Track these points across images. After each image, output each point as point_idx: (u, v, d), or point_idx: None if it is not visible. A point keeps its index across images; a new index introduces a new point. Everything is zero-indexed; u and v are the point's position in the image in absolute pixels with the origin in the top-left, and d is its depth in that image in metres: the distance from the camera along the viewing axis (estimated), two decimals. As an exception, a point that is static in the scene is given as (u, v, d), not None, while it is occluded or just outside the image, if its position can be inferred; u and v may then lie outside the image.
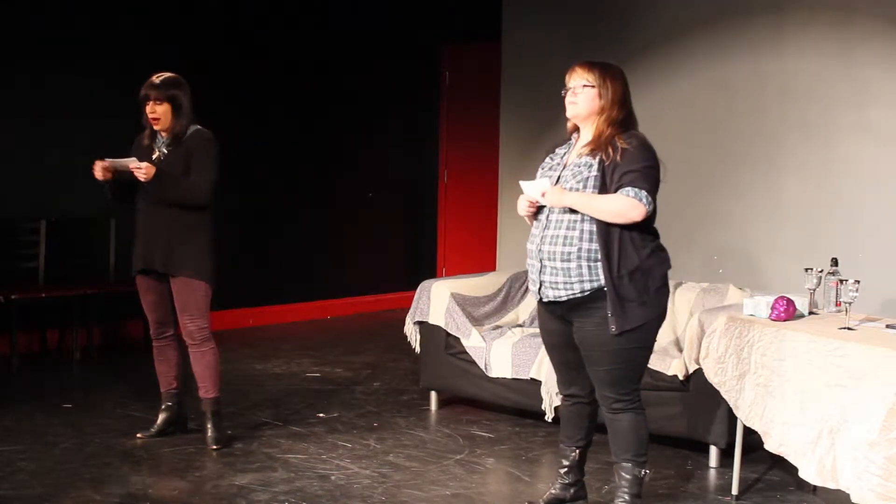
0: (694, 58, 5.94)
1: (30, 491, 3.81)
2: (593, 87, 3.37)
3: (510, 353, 4.81)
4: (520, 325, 5.24)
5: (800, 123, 5.53)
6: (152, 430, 4.54)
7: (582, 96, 3.38)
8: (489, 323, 5.20)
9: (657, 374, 4.30)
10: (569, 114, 3.44)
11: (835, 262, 3.96)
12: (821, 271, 3.91)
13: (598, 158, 3.31)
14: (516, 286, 5.44)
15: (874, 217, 5.27)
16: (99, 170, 4.25)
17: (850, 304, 3.55)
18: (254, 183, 7.59)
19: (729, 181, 5.80)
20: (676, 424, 4.30)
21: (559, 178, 3.40)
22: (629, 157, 3.27)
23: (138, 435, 4.53)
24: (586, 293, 3.31)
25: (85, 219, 6.60)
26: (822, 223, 5.44)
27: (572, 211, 3.32)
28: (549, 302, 3.42)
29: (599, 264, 3.28)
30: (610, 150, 3.29)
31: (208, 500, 3.78)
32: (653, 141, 3.40)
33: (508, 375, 4.82)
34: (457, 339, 5.04)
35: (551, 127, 6.42)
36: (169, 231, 4.30)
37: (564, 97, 3.44)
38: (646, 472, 3.46)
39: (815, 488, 3.88)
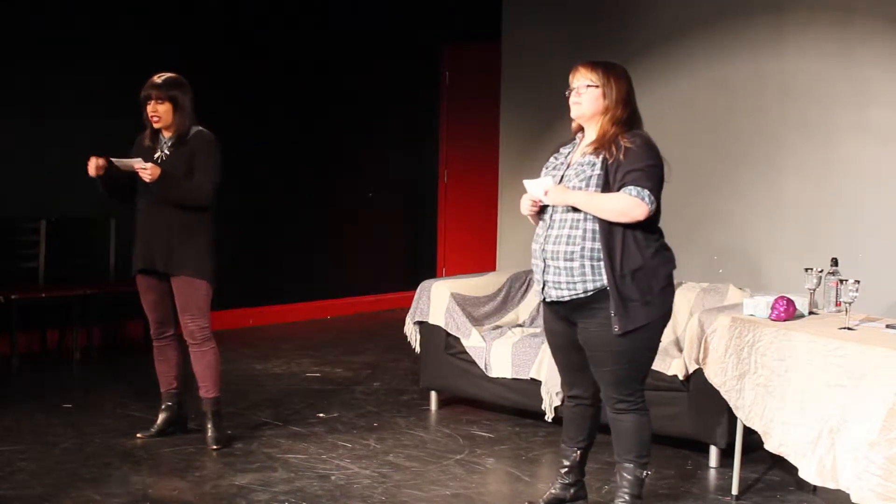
0: (694, 58, 5.94)
1: (30, 491, 3.81)
2: (597, 86, 3.36)
3: (510, 353, 4.81)
4: (520, 325, 5.24)
5: (800, 123, 5.53)
6: (152, 430, 4.54)
7: (586, 96, 3.37)
8: (489, 323, 5.20)
9: (657, 374, 4.30)
10: (573, 114, 3.43)
11: (835, 262, 3.96)
12: (821, 271, 3.91)
13: (601, 157, 3.30)
14: (516, 286, 5.44)
15: (874, 217, 5.27)
16: (93, 167, 4.25)
17: (850, 304, 3.55)
18: (254, 183, 7.59)
19: (729, 181, 5.80)
20: (676, 424, 4.30)
21: (563, 177, 3.40)
22: (632, 156, 3.26)
23: (138, 435, 4.53)
24: (589, 293, 3.30)
25: (85, 219, 6.60)
26: (822, 223, 5.44)
27: (575, 210, 3.31)
28: (553, 302, 3.41)
29: (602, 264, 3.27)
30: (613, 149, 3.28)
31: (208, 500, 3.78)
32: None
33: (508, 375, 4.82)
34: (457, 339, 5.04)
35: (551, 127, 6.43)
36: (169, 231, 4.31)
37: (568, 97, 3.43)
38: (647, 474, 3.46)
39: (815, 488, 3.88)
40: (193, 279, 4.33)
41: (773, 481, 4.07)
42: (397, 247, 9.08)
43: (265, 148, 7.77)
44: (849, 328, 3.49)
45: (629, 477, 3.42)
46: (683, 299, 4.86)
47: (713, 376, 3.80)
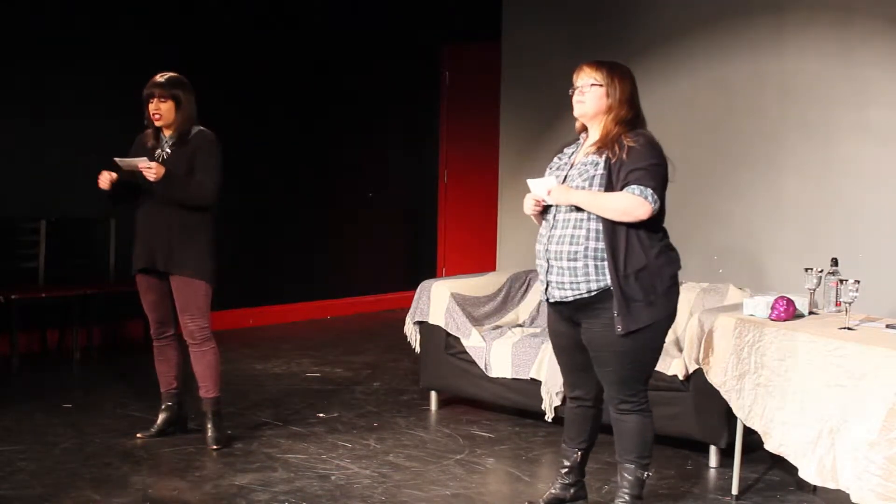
0: (694, 58, 5.94)
1: (30, 491, 3.81)
2: (601, 85, 3.35)
3: (510, 353, 4.81)
4: (520, 325, 5.24)
5: (800, 123, 5.53)
6: (152, 430, 4.54)
7: (589, 95, 3.36)
8: (489, 323, 5.20)
9: (657, 374, 4.28)
10: (576, 113, 3.43)
11: (835, 262, 3.96)
12: (821, 271, 3.91)
13: (604, 157, 3.29)
14: (516, 286, 5.44)
15: (874, 217, 5.27)
16: (106, 182, 4.25)
17: (850, 304, 3.55)
18: (254, 183, 7.59)
19: (729, 181, 5.80)
20: (676, 424, 4.30)
21: (566, 177, 3.39)
22: (635, 155, 3.25)
23: (138, 435, 4.53)
24: (593, 293, 3.29)
25: (85, 219, 6.61)
26: (822, 223, 5.44)
27: (579, 210, 3.30)
28: (557, 303, 3.40)
29: (606, 263, 3.26)
30: (616, 148, 3.27)
31: (208, 500, 3.78)
32: (653, 140, 3.39)
33: (508, 375, 4.82)
34: (457, 339, 5.04)
35: (551, 127, 6.43)
36: (170, 230, 4.31)
37: (572, 96, 3.42)
38: (648, 475, 3.46)
39: (815, 488, 3.88)
40: (193, 279, 4.33)
41: (773, 481, 4.07)
42: (397, 247, 9.09)
43: (265, 148, 7.77)
44: (849, 328, 3.50)
45: (630, 477, 3.41)
46: (683, 299, 4.84)
47: (713, 376, 3.80)
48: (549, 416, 4.65)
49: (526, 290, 5.43)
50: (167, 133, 4.37)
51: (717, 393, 3.85)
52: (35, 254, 6.33)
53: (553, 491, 3.69)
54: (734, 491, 3.88)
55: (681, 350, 4.57)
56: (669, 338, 4.72)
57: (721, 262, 5.74)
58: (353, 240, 8.60)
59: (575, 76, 3.42)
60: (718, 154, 5.83)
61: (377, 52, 8.63)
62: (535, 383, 4.71)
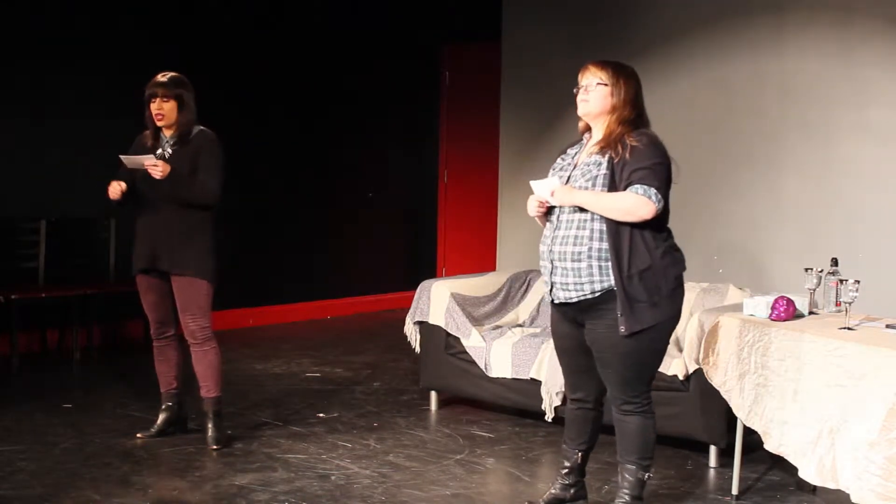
0: (694, 58, 5.94)
1: (30, 491, 3.80)
2: (606, 85, 3.34)
3: (510, 353, 4.81)
4: (520, 325, 5.24)
5: (800, 123, 5.53)
6: (152, 430, 4.54)
7: (594, 94, 3.35)
8: (489, 323, 5.20)
9: (657, 374, 4.28)
10: (580, 112, 3.41)
11: (835, 262, 3.96)
12: (821, 271, 3.91)
13: (607, 157, 3.28)
14: (516, 286, 5.44)
15: (874, 217, 5.27)
16: (117, 192, 4.25)
17: (850, 304, 3.55)
18: (254, 183, 7.59)
19: (729, 181, 5.80)
20: (676, 424, 4.30)
21: (569, 177, 3.38)
22: (638, 155, 3.23)
23: (138, 435, 4.53)
24: (597, 294, 3.28)
25: (85, 219, 6.60)
26: (822, 223, 5.44)
27: (582, 210, 3.28)
28: (561, 304, 3.39)
29: (610, 264, 3.25)
30: (619, 148, 3.26)
31: (208, 500, 3.78)
32: (653, 141, 3.38)
33: (508, 375, 4.82)
34: (457, 339, 5.04)
35: (551, 127, 6.43)
36: (172, 230, 4.30)
37: (576, 95, 3.41)
38: (649, 476, 3.45)
39: (815, 488, 3.88)
40: (194, 279, 4.33)
41: (773, 481, 4.07)
42: (397, 247, 9.09)
43: (265, 148, 7.77)
44: (849, 328, 3.49)
45: (630, 478, 3.41)
46: (684, 299, 4.86)
47: (713, 376, 3.80)
48: (549, 416, 4.65)
49: (526, 290, 5.43)
50: (167, 133, 4.36)
51: (717, 393, 3.85)
52: (35, 254, 6.33)
53: (553, 491, 3.69)
54: (734, 491, 3.88)
55: (681, 350, 4.57)
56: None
57: (721, 262, 5.75)
58: (353, 240, 8.61)
59: (580, 75, 3.41)
60: (718, 154, 5.83)
61: (377, 52, 8.63)
62: (535, 383, 4.71)
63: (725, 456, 4.19)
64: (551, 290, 3.40)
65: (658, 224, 3.29)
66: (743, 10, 5.73)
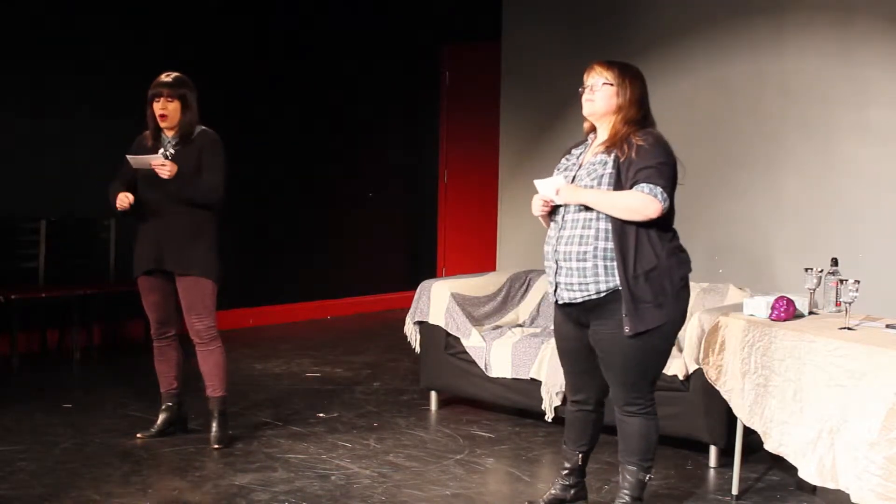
0: (694, 58, 5.94)
1: (30, 491, 3.80)
2: (612, 85, 3.33)
3: (510, 353, 4.81)
4: (520, 325, 5.24)
5: (800, 123, 5.53)
6: (152, 430, 4.54)
7: (600, 94, 3.34)
8: (489, 323, 5.20)
9: (657, 374, 4.30)
10: (585, 112, 3.40)
11: (835, 262, 3.96)
12: (821, 271, 3.90)
13: (613, 156, 3.27)
14: (516, 286, 5.43)
15: (874, 217, 5.27)
16: (125, 203, 4.25)
17: (850, 304, 3.54)
18: (254, 183, 7.60)
19: (729, 181, 5.80)
20: (676, 424, 4.29)
21: (574, 177, 3.36)
22: (644, 154, 3.22)
23: (138, 435, 4.52)
24: (602, 294, 3.26)
25: (85, 219, 6.61)
26: (822, 223, 5.44)
27: (588, 210, 3.27)
28: (566, 304, 3.37)
29: (616, 264, 3.23)
30: (625, 147, 3.25)
31: (208, 500, 3.78)
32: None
33: (508, 375, 4.82)
34: (457, 339, 5.04)
35: (551, 127, 6.43)
36: (177, 231, 4.30)
37: (581, 95, 3.40)
38: (650, 477, 3.44)
39: (815, 488, 3.88)
40: (200, 279, 4.33)
41: (773, 481, 4.07)
42: (397, 247, 9.09)
43: (265, 148, 7.77)
44: (849, 328, 3.49)
45: (631, 479, 3.40)
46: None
47: (713, 376, 3.80)
48: (549, 416, 4.65)
49: (526, 290, 5.43)
50: (169, 133, 4.36)
51: (717, 393, 3.85)
52: (35, 254, 6.33)
53: (553, 491, 3.69)
54: (734, 491, 3.88)
55: (681, 350, 4.57)
56: (670, 338, 4.73)
57: (721, 262, 5.75)
58: (353, 240, 8.61)
59: (585, 75, 3.40)
60: (718, 154, 5.83)
61: (377, 52, 8.63)
62: (535, 383, 4.71)
63: (725, 456, 4.19)
64: (556, 291, 3.38)
65: (664, 224, 3.28)
66: (743, 10, 5.73)
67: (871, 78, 5.27)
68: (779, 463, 4.01)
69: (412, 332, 5.22)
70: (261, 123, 7.73)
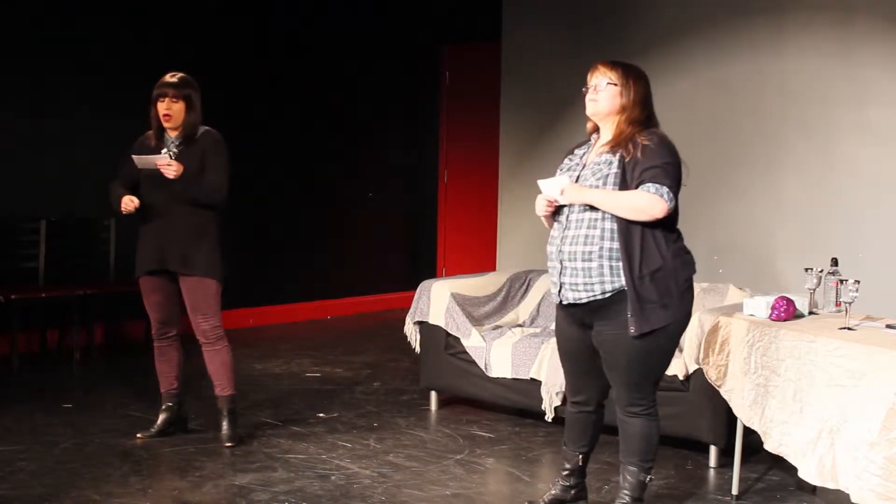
0: (694, 58, 5.94)
1: (30, 491, 3.80)
2: (615, 85, 3.33)
3: (510, 353, 4.81)
4: (520, 325, 5.24)
5: (800, 123, 5.53)
6: (152, 430, 4.54)
7: (603, 94, 3.33)
8: (489, 323, 5.20)
9: (657, 374, 4.29)
10: (589, 111, 3.39)
11: (835, 262, 3.96)
12: (821, 271, 3.90)
13: (618, 156, 3.26)
14: (516, 286, 5.43)
15: (874, 217, 5.27)
16: (131, 206, 4.25)
17: (850, 304, 3.54)
18: (254, 183, 7.59)
19: (729, 181, 5.80)
20: (676, 424, 4.29)
21: (578, 176, 3.35)
22: (650, 154, 3.21)
23: (138, 435, 4.52)
24: (607, 294, 3.25)
25: (85, 219, 6.61)
26: (822, 223, 5.44)
27: (593, 210, 3.26)
28: (570, 304, 3.36)
29: (621, 264, 3.22)
30: (630, 147, 3.24)
31: (208, 500, 3.77)
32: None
33: (508, 375, 4.82)
34: (457, 339, 5.04)
35: (551, 127, 6.43)
36: (181, 231, 4.30)
37: (584, 95, 3.39)
38: (650, 478, 3.43)
39: (815, 488, 3.88)
40: (204, 279, 4.33)
41: (773, 481, 4.07)
42: (397, 247, 9.09)
43: (265, 148, 7.77)
44: (849, 328, 3.49)
45: (632, 480, 3.40)
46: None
47: (713, 376, 3.80)
48: (549, 416, 4.65)
49: (526, 290, 5.43)
50: (172, 134, 4.35)
51: (717, 393, 3.85)
52: (35, 254, 6.33)
53: (554, 492, 3.68)
54: (734, 491, 3.88)
55: (681, 350, 4.56)
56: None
57: (721, 262, 5.75)
58: (353, 240, 8.61)
59: (589, 76, 3.39)
60: (718, 154, 5.83)
61: (377, 52, 8.63)
62: (535, 383, 4.71)
63: (725, 456, 4.19)
64: (560, 291, 3.36)
65: (669, 224, 3.27)
66: (743, 10, 5.73)
67: (871, 78, 5.27)
68: (779, 463, 4.01)
69: (412, 332, 5.22)
70: (261, 123, 7.73)
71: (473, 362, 4.96)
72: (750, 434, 3.82)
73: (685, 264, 3.33)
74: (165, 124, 4.31)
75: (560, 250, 3.33)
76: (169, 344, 4.54)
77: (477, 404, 5.20)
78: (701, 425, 4.24)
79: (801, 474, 3.41)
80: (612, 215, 3.23)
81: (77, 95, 6.65)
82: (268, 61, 7.81)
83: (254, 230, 7.73)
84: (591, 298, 3.28)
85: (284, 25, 7.93)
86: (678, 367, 4.27)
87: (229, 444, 4.40)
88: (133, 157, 4.24)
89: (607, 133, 3.38)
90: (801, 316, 3.76)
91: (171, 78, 4.32)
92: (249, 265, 7.63)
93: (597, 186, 3.26)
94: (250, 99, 7.64)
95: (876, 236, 5.25)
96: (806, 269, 3.90)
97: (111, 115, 6.64)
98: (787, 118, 5.57)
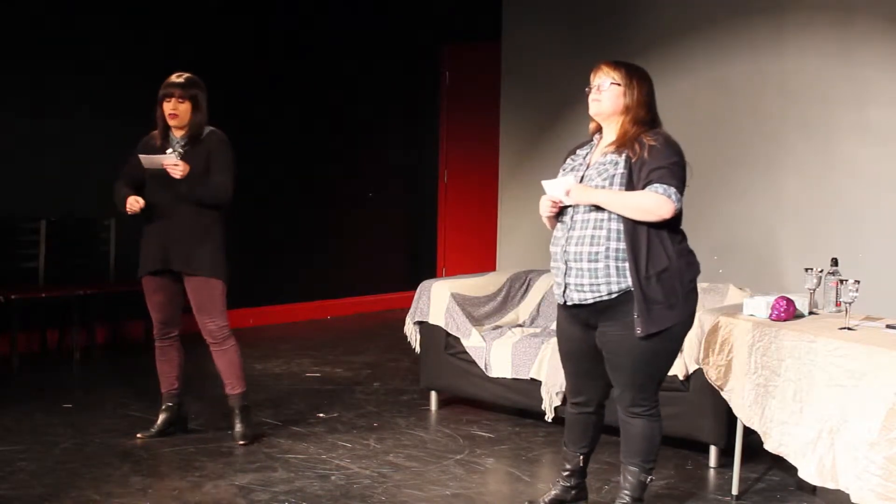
0: (694, 58, 5.94)
1: (30, 491, 3.80)
2: (619, 85, 3.32)
3: (510, 353, 4.81)
4: (520, 325, 5.24)
5: (800, 123, 5.53)
6: (152, 430, 4.54)
7: (606, 94, 3.33)
8: (489, 323, 5.20)
9: (657, 375, 4.29)
10: (592, 111, 3.39)
11: (835, 262, 3.96)
12: (821, 271, 3.90)
13: (624, 156, 3.25)
14: (516, 286, 5.43)
15: (874, 217, 5.27)
16: (136, 207, 4.25)
17: (850, 304, 3.54)
18: (254, 183, 7.58)
19: (729, 181, 5.80)
20: (676, 424, 4.29)
21: (583, 177, 3.34)
22: (657, 154, 3.21)
23: (138, 435, 4.52)
24: (614, 295, 3.23)
25: (85, 219, 6.61)
26: (822, 223, 5.44)
27: (598, 210, 3.25)
28: (574, 305, 3.34)
29: (627, 265, 3.21)
30: (637, 147, 3.23)
31: (208, 500, 3.77)
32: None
33: (508, 375, 4.82)
34: (457, 339, 5.04)
35: (551, 127, 6.43)
36: (186, 231, 4.30)
37: (588, 95, 3.38)
38: (651, 479, 3.43)
39: (815, 488, 3.88)
40: (209, 279, 4.33)
41: (773, 481, 4.07)
42: (397, 247, 9.09)
43: (265, 148, 7.77)
44: (849, 328, 3.49)
45: (633, 480, 3.39)
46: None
47: (713, 376, 3.80)
48: (549, 417, 4.65)
49: (526, 290, 5.43)
50: (178, 134, 4.35)
51: (717, 393, 3.85)
52: (35, 254, 6.33)
53: (554, 492, 3.68)
54: (734, 491, 3.88)
55: (681, 350, 4.56)
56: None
57: (721, 262, 5.75)
58: (353, 240, 8.61)
59: (592, 76, 3.38)
60: (718, 154, 5.83)
61: (377, 52, 8.63)
62: (535, 383, 4.71)
63: (725, 456, 4.19)
64: (564, 292, 3.34)
65: (674, 225, 3.27)
66: (743, 10, 5.73)
67: (871, 78, 5.27)
68: (779, 463, 4.01)
69: (412, 332, 5.22)
70: (261, 123, 7.73)
71: (473, 362, 4.96)
72: (750, 434, 3.81)
73: (690, 265, 3.33)
74: (171, 124, 4.31)
75: (565, 251, 3.31)
76: (170, 344, 4.54)
77: (477, 404, 5.20)
78: (701, 425, 4.24)
79: (801, 474, 3.41)
80: (619, 216, 3.22)
81: (77, 95, 6.65)
82: (268, 61, 7.81)
83: (254, 230, 7.72)
84: (597, 299, 3.27)
85: (284, 25, 7.93)
86: (678, 367, 4.27)
87: (242, 443, 4.40)
88: (139, 156, 4.24)
89: (611, 133, 3.37)
90: (801, 316, 3.76)
91: (177, 78, 4.32)
92: (249, 265, 7.62)
93: (603, 187, 3.25)
94: (250, 99, 7.64)
95: (876, 236, 5.25)
96: (806, 269, 3.90)
97: (111, 115, 6.64)
98: (787, 118, 5.57)
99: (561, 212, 3.37)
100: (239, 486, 3.92)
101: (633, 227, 3.21)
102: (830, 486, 3.28)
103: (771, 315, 3.68)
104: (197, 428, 4.64)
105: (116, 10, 6.83)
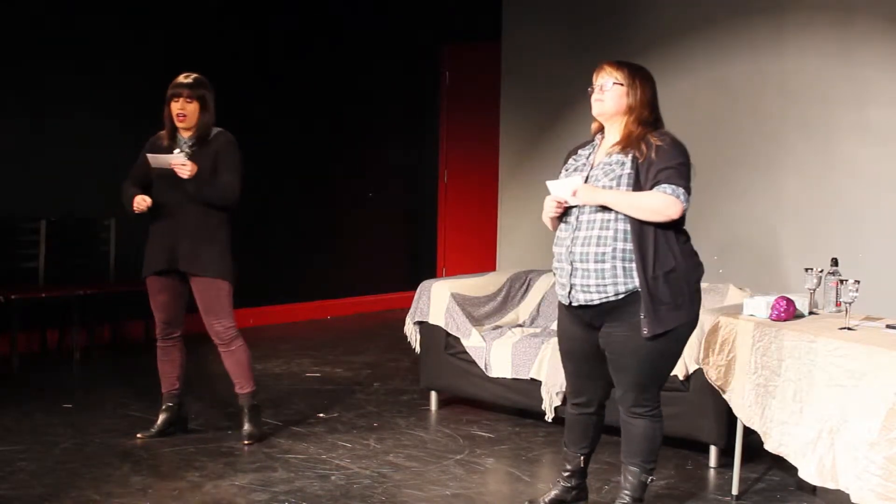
0: (694, 58, 5.94)
1: (30, 491, 3.80)
2: (622, 85, 3.31)
3: (510, 353, 4.81)
4: (520, 325, 5.24)
5: (800, 123, 5.53)
6: (152, 430, 4.54)
7: (609, 94, 3.32)
8: (489, 323, 5.20)
9: (657, 375, 4.29)
10: (595, 111, 3.38)
11: (835, 262, 3.96)
12: (821, 271, 3.90)
13: (630, 156, 3.24)
14: (516, 286, 5.43)
15: (874, 217, 5.27)
16: (143, 206, 4.25)
17: (850, 304, 3.55)
18: (254, 183, 7.55)
19: (729, 181, 5.80)
20: (676, 424, 4.29)
21: (588, 177, 3.33)
22: (664, 154, 3.20)
23: (138, 435, 4.52)
24: (620, 296, 3.22)
25: (85, 219, 6.61)
26: (822, 223, 5.44)
27: (605, 210, 3.23)
28: (579, 306, 3.33)
29: (634, 265, 3.20)
30: (643, 148, 3.22)
31: (208, 500, 3.77)
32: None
33: (508, 375, 4.82)
34: (457, 339, 5.04)
35: (551, 127, 6.43)
36: (193, 231, 4.29)
37: (590, 95, 3.38)
38: (652, 479, 3.42)
39: (815, 488, 3.88)
40: (215, 280, 4.33)
41: (773, 481, 4.07)
42: (397, 247, 9.09)
43: (265, 148, 7.76)
44: (849, 328, 3.49)
45: (633, 480, 3.39)
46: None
47: (713, 376, 3.80)
48: (549, 417, 4.65)
49: (526, 290, 5.43)
50: (186, 134, 4.34)
51: (717, 393, 3.85)
52: (35, 254, 6.33)
53: (554, 492, 3.67)
54: (734, 491, 3.88)
55: (681, 350, 4.56)
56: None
57: (721, 262, 5.74)
58: (353, 240, 8.61)
59: (595, 76, 3.38)
60: (718, 154, 5.83)
61: (377, 52, 8.63)
62: (535, 383, 4.71)
63: (725, 456, 4.19)
64: (569, 293, 3.33)
65: (679, 226, 3.27)
66: (743, 10, 5.73)
67: (871, 78, 5.27)
68: (779, 463, 4.01)
69: (412, 332, 5.22)
70: (261, 123, 7.72)
71: (473, 362, 4.96)
72: (750, 434, 3.81)
73: (695, 266, 3.33)
74: (179, 124, 4.30)
75: (570, 251, 3.30)
76: (172, 344, 4.54)
77: (477, 404, 5.20)
78: (701, 425, 4.24)
79: (801, 474, 3.41)
80: (625, 216, 3.21)
81: (77, 95, 6.65)
82: (268, 61, 7.81)
83: (254, 230, 7.72)
84: (604, 300, 3.25)
85: (284, 25, 7.93)
86: (678, 367, 4.26)
87: (247, 442, 4.41)
88: (147, 155, 4.24)
89: (614, 134, 3.36)
90: (801, 316, 3.76)
91: (185, 78, 4.31)
92: (249, 265, 7.60)
93: (610, 187, 3.24)
94: (250, 99, 7.64)
95: (876, 236, 5.25)
96: (806, 269, 3.90)
97: (111, 115, 6.64)
98: (787, 118, 5.57)
99: (564, 212, 3.36)
100: (239, 486, 3.92)
101: (640, 228, 3.20)
102: (830, 486, 3.28)
103: (771, 315, 3.68)
104: (197, 428, 4.64)
105: (116, 10, 6.83)
